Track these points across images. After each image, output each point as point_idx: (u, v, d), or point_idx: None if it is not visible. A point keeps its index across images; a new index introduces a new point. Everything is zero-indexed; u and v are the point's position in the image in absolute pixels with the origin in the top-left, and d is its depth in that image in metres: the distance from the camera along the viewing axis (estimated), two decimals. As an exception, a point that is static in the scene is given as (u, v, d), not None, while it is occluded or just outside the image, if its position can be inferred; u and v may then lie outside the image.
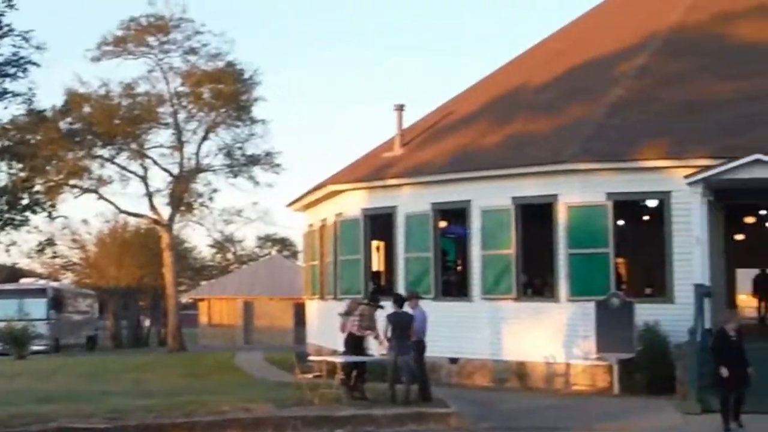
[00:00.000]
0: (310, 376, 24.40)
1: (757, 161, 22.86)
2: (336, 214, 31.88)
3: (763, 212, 32.07)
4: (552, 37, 35.84)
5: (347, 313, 23.36)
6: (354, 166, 33.45)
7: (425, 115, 34.75)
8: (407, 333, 21.46)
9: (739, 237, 33.65)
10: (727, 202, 25.24)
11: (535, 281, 28.12)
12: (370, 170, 31.16)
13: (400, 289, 27.98)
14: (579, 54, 31.72)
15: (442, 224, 29.37)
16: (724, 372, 18.52)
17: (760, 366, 19.37)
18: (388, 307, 22.17)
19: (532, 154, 26.80)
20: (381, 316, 22.22)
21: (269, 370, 33.07)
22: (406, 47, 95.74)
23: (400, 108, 31.44)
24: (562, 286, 25.76)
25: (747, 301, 38.86)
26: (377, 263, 32.60)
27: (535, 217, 26.72)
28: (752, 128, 25.30)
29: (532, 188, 26.62)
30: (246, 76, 54.02)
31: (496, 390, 25.70)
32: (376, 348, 23.00)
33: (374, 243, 31.88)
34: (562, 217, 25.90)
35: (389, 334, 21.55)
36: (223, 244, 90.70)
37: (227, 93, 52.56)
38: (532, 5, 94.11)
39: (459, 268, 31.24)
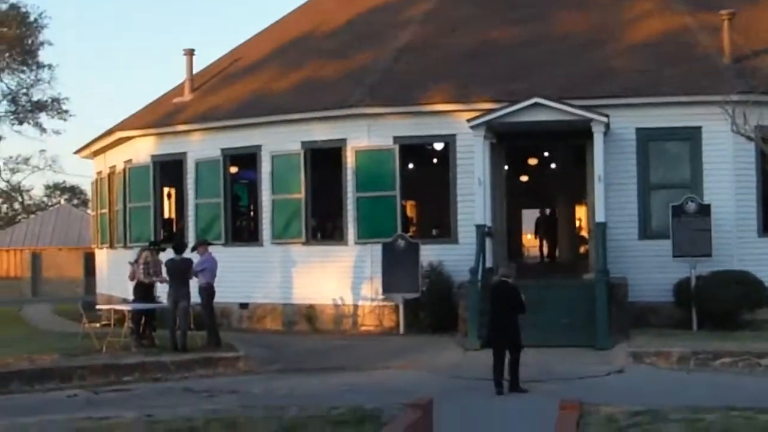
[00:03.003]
0: (97, 325, 24.08)
1: (537, 104, 23.56)
2: (125, 161, 31.32)
3: (545, 154, 33.14)
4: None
5: (137, 261, 23.16)
6: (143, 112, 32.91)
7: (216, 60, 34.45)
8: (185, 279, 21.43)
9: (524, 179, 34.72)
10: (510, 144, 26.01)
11: (324, 225, 28.45)
12: (160, 116, 30.70)
13: (191, 235, 27.88)
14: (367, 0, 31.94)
15: (233, 170, 29.28)
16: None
17: (540, 303, 20.20)
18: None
19: (321, 98, 26.91)
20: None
21: (57, 321, 32.37)
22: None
23: (190, 52, 31.02)
24: (351, 229, 26.06)
25: (531, 241, 40.26)
26: (168, 210, 32.26)
27: (325, 161, 26.87)
28: (533, 72, 26.07)
29: (321, 132, 26.76)
30: (31, 18, 52.05)
31: (286, 333, 25.88)
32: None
33: (165, 190, 31.50)
34: (350, 161, 26.15)
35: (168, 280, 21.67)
36: (9, 194, 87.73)
37: (11, 36, 50.51)
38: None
39: (251, 213, 31.26)
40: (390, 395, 14.91)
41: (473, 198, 24.15)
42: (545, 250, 37.81)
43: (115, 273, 31.76)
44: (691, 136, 24.61)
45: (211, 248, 22.96)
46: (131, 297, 23.92)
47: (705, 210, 23.49)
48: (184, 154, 29.06)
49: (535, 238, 39.88)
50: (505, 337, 16.90)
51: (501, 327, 16.95)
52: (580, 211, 33.32)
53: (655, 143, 24.86)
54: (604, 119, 23.30)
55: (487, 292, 17.60)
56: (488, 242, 23.94)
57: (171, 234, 30.92)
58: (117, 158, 32.40)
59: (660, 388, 16.80)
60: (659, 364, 19.24)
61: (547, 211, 36.86)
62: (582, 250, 31.18)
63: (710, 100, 23.96)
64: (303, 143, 26.86)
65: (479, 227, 23.45)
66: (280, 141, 27.18)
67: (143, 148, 30.35)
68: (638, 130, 24.79)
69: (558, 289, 23.11)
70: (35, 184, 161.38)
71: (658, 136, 24.82)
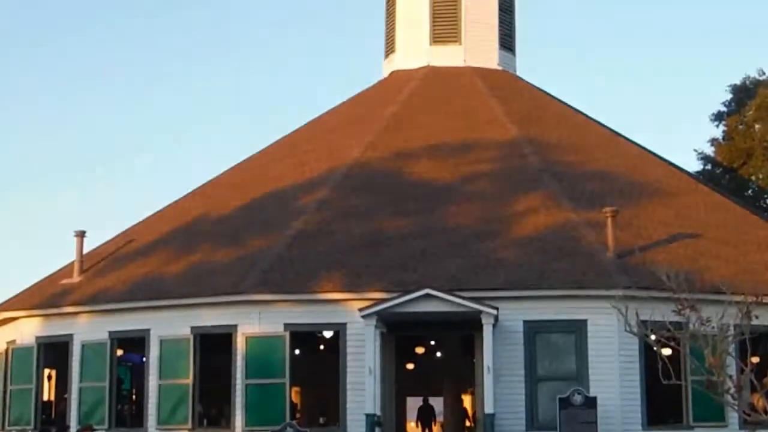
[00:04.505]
0: None
1: (427, 295, 24.03)
2: (8, 342, 30.63)
3: (432, 343, 33.41)
4: (235, 168, 36.38)
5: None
6: (29, 292, 32.32)
7: (106, 242, 34.21)
8: None
9: (410, 366, 34.83)
10: (400, 333, 26.29)
11: (211, 411, 28.08)
12: (47, 297, 30.25)
13: (73, 419, 27.25)
14: (261, 186, 32.35)
15: (119, 352, 28.89)
16: None
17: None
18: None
19: (213, 284, 26.94)
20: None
21: None
22: (86, 175, 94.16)
23: (81, 234, 30.80)
24: (239, 416, 25.78)
25: (414, 430, 40.26)
26: (48, 392, 31.48)
27: (215, 346, 26.72)
28: (424, 263, 26.53)
29: (211, 318, 26.70)
30: None
31: None
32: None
33: (46, 371, 30.80)
34: (240, 347, 26.06)
35: None
36: None
37: None
38: (213, 134, 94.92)
39: (134, 397, 30.76)
40: None
41: (362, 386, 24.25)
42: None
43: (-9, 457, 30.70)
44: (577, 328, 25.19)
45: (93, 434, 22.51)
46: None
47: (591, 402, 23.87)
48: (71, 335, 28.60)
49: (417, 426, 39.94)
50: None
51: None
52: (466, 401, 33.43)
53: (542, 335, 25.37)
54: (494, 311, 23.79)
55: None
56: (377, 431, 23.92)
57: (49, 417, 30.15)
58: (-1, 338, 31.71)
59: None
60: None
61: (429, 400, 37.11)
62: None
63: (595, 294, 24.77)
64: (193, 328, 26.73)
65: (369, 416, 23.51)
66: (170, 325, 27.01)
67: (28, 329, 29.79)
68: (526, 322, 25.31)
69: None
70: None
71: (545, 329, 25.36)
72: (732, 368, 17.67)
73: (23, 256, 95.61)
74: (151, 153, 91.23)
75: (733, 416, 24.49)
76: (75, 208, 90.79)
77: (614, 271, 25.39)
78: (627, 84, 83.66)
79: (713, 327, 16.84)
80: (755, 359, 18.03)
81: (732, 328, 17.20)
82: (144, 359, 27.87)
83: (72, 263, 31.25)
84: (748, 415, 15.57)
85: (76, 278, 30.33)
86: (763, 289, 21.07)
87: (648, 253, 25.94)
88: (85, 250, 31.36)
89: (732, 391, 16.09)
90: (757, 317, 16.75)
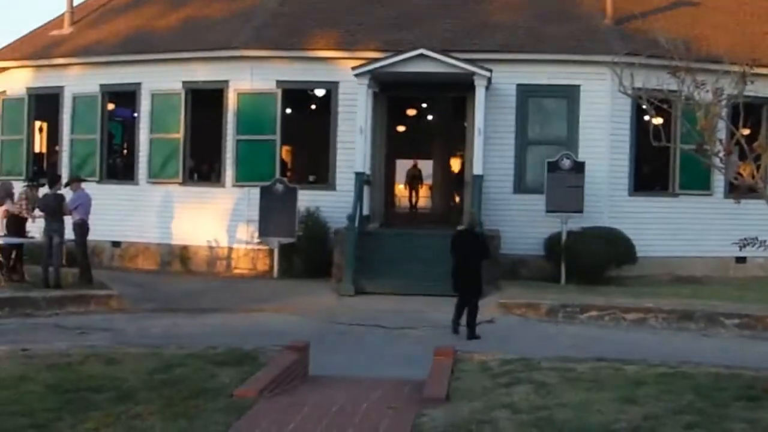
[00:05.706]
0: (-35, 258, 23.49)
1: (421, 55, 23.74)
2: (-1, 92, 30.54)
3: (423, 105, 33.36)
4: None
5: (6, 195, 22.68)
6: (19, 43, 31.94)
7: (97, -6, 33.63)
8: (58, 215, 21.13)
9: (401, 129, 34.91)
10: (392, 93, 26.13)
11: (202, 166, 28.25)
12: (38, 48, 29.89)
13: (65, 171, 27.38)
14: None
15: (111, 107, 28.81)
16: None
17: (413, 251, 20.49)
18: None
19: (205, 38, 26.61)
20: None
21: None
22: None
23: (71, -16, 30.30)
24: (229, 172, 25.93)
25: (403, 191, 40.87)
26: (39, 144, 31.57)
27: (206, 102, 26.62)
28: (419, 23, 26.18)
29: (203, 73, 26.49)
30: None
31: (158, 273, 25.67)
32: (38, 229, 22.54)
33: (37, 123, 30.81)
34: (231, 103, 25.95)
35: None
36: None
37: None
38: None
39: (125, 151, 30.89)
40: (266, 337, 14.94)
41: (353, 145, 24.26)
42: (414, 200, 38.78)
43: (-17, 206, 30.92)
44: (570, 94, 25.04)
45: (85, 185, 22.61)
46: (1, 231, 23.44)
47: (579, 167, 23.96)
48: (62, 88, 28.39)
49: (405, 188, 40.61)
50: (470, 282, 17.38)
51: (467, 273, 17.42)
52: (456, 163, 33.66)
53: (535, 99, 25.25)
54: (487, 74, 23.57)
55: (451, 240, 17.96)
56: (366, 190, 24.12)
57: (41, 169, 30.33)
58: (-10, 89, 31.51)
59: (530, 339, 17.19)
60: (529, 316, 19.68)
61: (418, 165, 37.55)
62: (456, 201, 31.56)
63: (591, 60, 24.50)
64: (184, 83, 26.55)
65: (359, 175, 23.59)
66: (161, 80, 26.82)
67: (18, 80, 29.56)
68: (519, 85, 25.11)
69: (431, 238, 23.32)
70: None
71: (538, 93, 25.22)
72: (723, 134, 17.61)
73: (12, 5, 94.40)
74: None
75: (718, 186, 24.86)
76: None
77: (611, 37, 25.06)
78: None
79: (707, 91, 16.57)
80: (746, 131, 17.92)
81: (725, 93, 17.04)
82: (135, 114, 27.82)
83: (63, 14, 30.80)
84: (735, 179, 15.58)
85: (66, 29, 29.95)
86: (761, 59, 20.85)
87: (646, 20, 25.51)
88: (76, 2, 30.87)
89: (721, 154, 16.00)
90: (752, 82, 16.52)
